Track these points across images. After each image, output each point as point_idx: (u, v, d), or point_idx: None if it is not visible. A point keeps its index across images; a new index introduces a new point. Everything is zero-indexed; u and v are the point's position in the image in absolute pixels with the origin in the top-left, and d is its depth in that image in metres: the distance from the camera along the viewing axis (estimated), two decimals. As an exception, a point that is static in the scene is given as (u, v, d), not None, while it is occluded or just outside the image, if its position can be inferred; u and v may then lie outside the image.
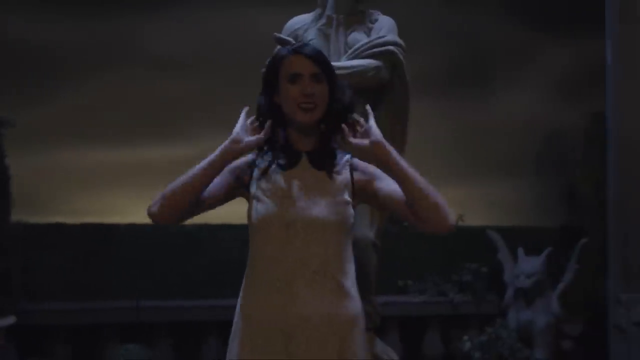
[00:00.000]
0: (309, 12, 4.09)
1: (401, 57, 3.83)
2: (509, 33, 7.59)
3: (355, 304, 2.38)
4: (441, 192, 2.35)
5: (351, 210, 2.38)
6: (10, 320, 5.24)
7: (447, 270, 6.65)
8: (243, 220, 2.51)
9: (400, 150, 3.94)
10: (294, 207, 2.34)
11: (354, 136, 2.36)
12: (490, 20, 7.60)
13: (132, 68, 6.90)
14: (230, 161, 2.36)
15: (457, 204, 7.20)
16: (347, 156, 2.45)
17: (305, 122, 2.37)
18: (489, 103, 7.60)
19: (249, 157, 2.46)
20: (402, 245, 6.87)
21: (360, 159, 2.42)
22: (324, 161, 2.40)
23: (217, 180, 2.39)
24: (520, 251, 6.47)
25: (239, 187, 2.44)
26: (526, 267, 6.30)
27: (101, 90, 6.70)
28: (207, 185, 2.35)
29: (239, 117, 2.44)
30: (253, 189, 2.40)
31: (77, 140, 6.57)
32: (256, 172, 2.42)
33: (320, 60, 2.39)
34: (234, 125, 2.42)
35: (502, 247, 6.68)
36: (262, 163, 2.43)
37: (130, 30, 6.94)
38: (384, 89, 3.84)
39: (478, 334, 6.33)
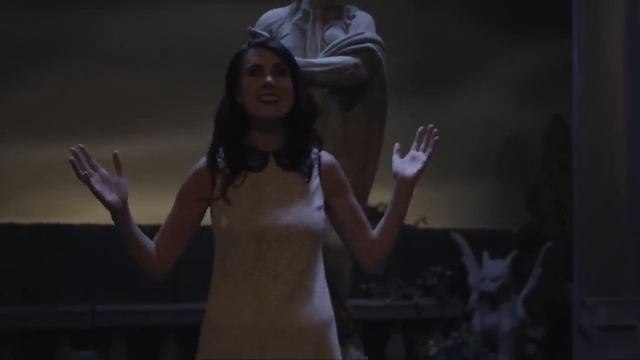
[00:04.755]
0: (277, 6, 3.94)
1: (380, 54, 3.71)
2: (474, 34, 7.55)
3: (327, 307, 2.27)
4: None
5: (323, 215, 2.25)
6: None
7: (411, 273, 6.55)
8: (202, 222, 2.34)
9: (378, 149, 3.85)
10: (263, 217, 2.19)
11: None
12: (456, 20, 7.56)
13: (88, 63, 6.67)
14: (125, 222, 2.25)
15: (419, 206, 7.12)
16: (314, 154, 2.28)
17: (268, 116, 2.19)
18: (453, 104, 7.55)
19: (202, 163, 2.27)
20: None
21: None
22: (293, 162, 2.23)
23: (181, 212, 2.28)
24: (485, 255, 6.42)
25: (205, 202, 2.27)
26: (491, 271, 6.25)
27: (54, 86, 6.48)
28: (141, 240, 2.26)
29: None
30: (217, 197, 2.23)
31: (29, 137, 6.32)
32: (219, 178, 2.24)
33: (283, 53, 2.24)
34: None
35: (466, 250, 6.62)
36: (225, 168, 2.24)
37: (85, 24, 6.71)
38: (362, 87, 3.72)
39: (442, 337, 6.26)
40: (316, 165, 2.26)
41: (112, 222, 6.33)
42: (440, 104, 7.49)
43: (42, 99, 6.50)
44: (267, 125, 2.22)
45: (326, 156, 2.30)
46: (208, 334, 2.25)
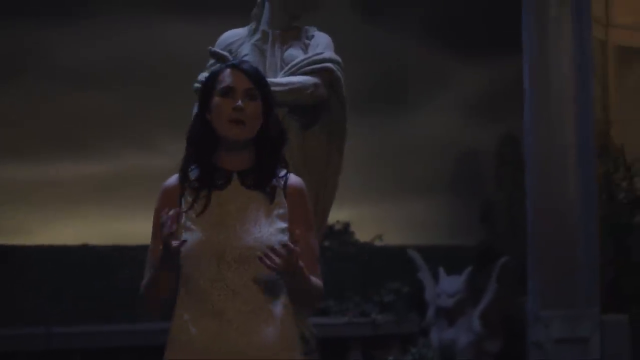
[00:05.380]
0: (231, 26, 3.97)
1: (339, 74, 3.75)
2: (429, 53, 7.66)
3: (290, 328, 2.27)
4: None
5: (285, 237, 2.23)
6: None
7: (368, 289, 6.59)
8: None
9: (337, 168, 3.89)
10: (225, 237, 2.20)
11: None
12: (410, 39, 7.65)
13: (42, 81, 6.60)
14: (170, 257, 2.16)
15: (376, 223, 7.19)
16: (282, 175, 2.29)
17: (235, 137, 2.22)
18: (408, 121, 7.64)
19: (171, 182, 2.28)
20: (321, 264, 6.79)
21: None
22: (256, 181, 2.25)
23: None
24: (442, 271, 6.49)
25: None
26: (448, 286, 6.32)
27: (11, 105, 6.38)
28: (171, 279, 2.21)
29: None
30: (182, 217, 2.22)
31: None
32: (186, 195, 2.25)
33: (256, 77, 2.27)
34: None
35: (422, 266, 6.69)
36: (192, 184, 2.26)
37: (40, 41, 6.64)
38: (321, 106, 3.75)
39: (400, 353, 6.31)
40: (282, 186, 2.27)
41: (66, 243, 6.12)
42: (396, 122, 7.58)
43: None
44: (234, 146, 2.25)
45: (294, 179, 2.31)
46: (173, 351, 2.24)
